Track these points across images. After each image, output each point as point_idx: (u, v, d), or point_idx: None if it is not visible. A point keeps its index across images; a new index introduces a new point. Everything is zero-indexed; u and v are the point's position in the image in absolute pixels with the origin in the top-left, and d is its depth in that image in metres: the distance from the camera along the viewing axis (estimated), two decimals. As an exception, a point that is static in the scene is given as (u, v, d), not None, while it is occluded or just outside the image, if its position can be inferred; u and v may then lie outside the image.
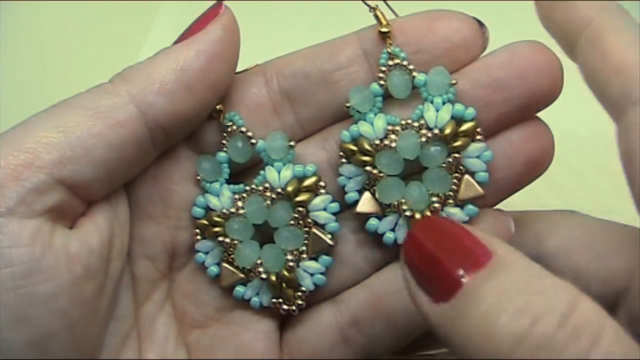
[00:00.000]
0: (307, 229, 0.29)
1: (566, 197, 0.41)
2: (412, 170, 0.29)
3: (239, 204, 0.29)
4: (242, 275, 0.30)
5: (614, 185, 0.41)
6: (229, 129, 0.29)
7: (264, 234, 0.30)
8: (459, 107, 0.28)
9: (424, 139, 0.28)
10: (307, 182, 0.29)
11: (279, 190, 0.29)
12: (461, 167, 0.29)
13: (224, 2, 0.29)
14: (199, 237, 0.30)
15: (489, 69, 0.28)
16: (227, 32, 0.28)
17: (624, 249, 0.27)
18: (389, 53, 0.28)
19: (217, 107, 0.29)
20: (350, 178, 0.29)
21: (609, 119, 0.23)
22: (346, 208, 0.30)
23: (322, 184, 0.29)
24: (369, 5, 0.29)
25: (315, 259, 0.29)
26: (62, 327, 0.25)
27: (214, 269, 0.30)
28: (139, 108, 0.27)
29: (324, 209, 0.29)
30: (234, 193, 0.30)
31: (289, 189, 0.29)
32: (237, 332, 0.30)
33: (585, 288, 0.20)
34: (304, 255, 0.29)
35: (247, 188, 0.30)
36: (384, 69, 0.29)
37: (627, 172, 0.23)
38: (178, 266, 0.30)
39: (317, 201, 0.29)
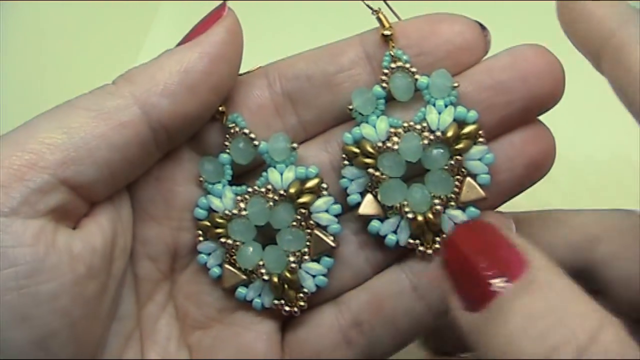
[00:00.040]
0: (309, 230, 0.29)
1: (568, 198, 0.42)
2: (414, 173, 0.29)
3: (241, 205, 0.30)
4: (244, 277, 0.30)
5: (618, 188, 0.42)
6: (232, 131, 0.29)
7: (266, 236, 0.30)
8: (461, 109, 0.28)
9: (426, 142, 0.28)
10: (310, 184, 0.29)
11: (282, 191, 0.29)
12: (463, 170, 0.29)
13: (227, 4, 0.29)
14: (201, 238, 0.30)
15: (491, 72, 0.28)
16: (230, 34, 0.28)
17: None
18: (392, 56, 0.29)
19: (220, 108, 0.29)
20: (352, 180, 0.29)
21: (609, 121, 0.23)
22: (348, 210, 0.30)
23: (324, 185, 0.29)
24: (371, 8, 0.29)
25: (317, 261, 0.30)
26: (64, 327, 0.25)
27: (216, 270, 0.30)
28: (143, 109, 0.27)
29: (326, 211, 0.29)
30: (237, 194, 0.30)
31: (292, 190, 0.29)
32: (239, 333, 0.30)
33: (635, 300, 0.19)
34: (306, 257, 0.29)
35: (250, 189, 0.30)
36: (386, 71, 0.29)
37: None
38: (180, 267, 0.30)
39: (320, 203, 0.29)
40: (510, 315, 0.19)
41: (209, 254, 0.30)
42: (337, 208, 0.29)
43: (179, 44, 0.28)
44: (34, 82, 0.47)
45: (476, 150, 0.28)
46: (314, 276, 0.30)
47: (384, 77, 0.29)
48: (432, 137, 0.28)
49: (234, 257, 0.30)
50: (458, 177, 0.29)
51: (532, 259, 0.20)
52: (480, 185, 0.28)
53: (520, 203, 0.30)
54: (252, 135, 0.29)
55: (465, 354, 0.33)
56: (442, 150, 0.28)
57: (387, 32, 0.29)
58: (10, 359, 0.25)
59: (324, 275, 0.30)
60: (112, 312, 0.28)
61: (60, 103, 0.27)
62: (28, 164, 0.25)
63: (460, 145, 0.28)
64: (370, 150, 0.29)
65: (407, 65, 0.29)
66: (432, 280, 0.29)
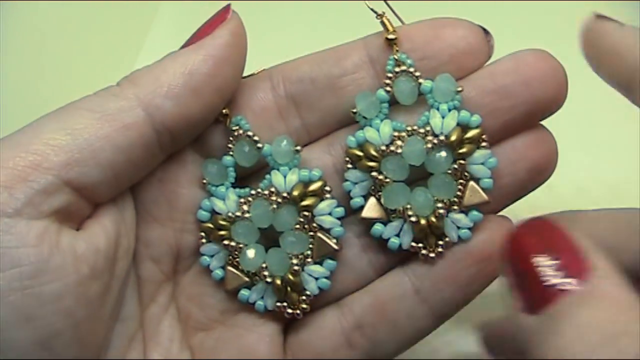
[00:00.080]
0: (312, 233, 0.29)
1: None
2: (418, 176, 0.29)
3: (245, 207, 0.30)
4: (246, 279, 0.30)
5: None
6: (235, 133, 0.29)
7: (269, 238, 0.30)
8: (464, 114, 0.28)
9: (429, 145, 0.28)
10: (313, 187, 0.29)
11: (285, 194, 0.29)
12: (466, 174, 0.29)
13: (231, 6, 0.29)
14: (204, 240, 0.30)
15: (494, 76, 0.28)
16: (234, 37, 0.28)
17: None
18: (396, 60, 0.29)
19: (224, 111, 0.29)
20: (356, 183, 0.29)
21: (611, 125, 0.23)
22: (351, 213, 0.30)
23: (327, 188, 0.29)
24: (375, 12, 0.29)
25: (320, 263, 0.30)
26: (67, 327, 0.25)
27: (218, 272, 0.30)
28: (147, 111, 0.27)
29: (330, 214, 0.29)
30: (240, 197, 0.30)
31: (295, 193, 0.29)
32: (241, 335, 0.30)
33: None
34: (309, 259, 0.30)
35: (253, 192, 0.30)
36: (390, 75, 0.29)
37: None
38: (182, 269, 0.30)
39: (323, 205, 0.29)
40: (566, 323, 0.19)
41: (211, 256, 0.30)
42: (340, 211, 0.29)
43: (183, 46, 0.28)
44: (34, 82, 0.46)
45: (479, 154, 0.28)
46: (316, 279, 0.30)
47: (387, 81, 0.29)
48: (435, 141, 0.28)
49: (237, 259, 0.30)
50: (461, 181, 0.29)
51: (596, 265, 0.20)
52: (483, 189, 0.29)
53: (520, 207, 0.31)
54: (256, 138, 0.29)
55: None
56: (445, 154, 0.28)
57: (391, 36, 0.29)
58: (14, 359, 0.25)
59: (326, 277, 0.30)
60: (115, 313, 0.28)
61: (60, 103, 0.28)
62: (32, 165, 0.25)
63: (464, 149, 0.28)
64: (374, 153, 0.29)
65: (411, 70, 0.29)
66: (434, 284, 0.29)
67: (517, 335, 0.21)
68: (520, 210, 0.30)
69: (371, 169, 0.29)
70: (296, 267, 0.29)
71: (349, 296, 0.30)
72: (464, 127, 0.28)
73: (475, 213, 0.29)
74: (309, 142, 0.30)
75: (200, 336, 0.30)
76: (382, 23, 0.29)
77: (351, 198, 0.29)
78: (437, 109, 0.29)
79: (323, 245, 0.29)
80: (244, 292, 0.30)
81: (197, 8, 0.53)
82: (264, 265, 0.29)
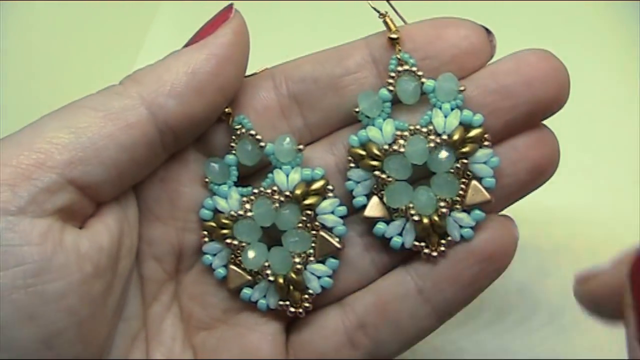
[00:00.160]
0: (314, 232, 0.30)
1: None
2: (420, 175, 0.29)
3: (247, 206, 0.30)
4: (249, 278, 0.30)
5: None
6: (238, 132, 0.29)
7: (272, 237, 0.30)
8: (467, 113, 0.28)
9: (432, 145, 0.29)
10: (315, 186, 0.29)
11: (287, 193, 0.29)
12: (468, 173, 0.29)
13: (233, 6, 0.29)
14: (206, 239, 0.30)
15: (496, 76, 0.29)
16: (237, 36, 0.28)
17: None
18: (398, 59, 0.29)
19: (226, 110, 0.29)
20: (358, 182, 0.29)
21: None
22: (353, 212, 0.30)
23: (330, 187, 0.29)
24: (378, 11, 0.29)
25: (323, 262, 0.30)
26: (70, 326, 0.25)
27: (221, 271, 0.30)
28: (150, 110, 0.27)
29: (332, 212, 0.29)
30: (242, 195, 0.30)
31: (297, 192, 0.29)
32: (244, 334, 0.30)
33: None
34: (312, 258, 0.30)
35: (255, 191, 0.30)
36: (393, 74, 0.29)
37: None
38: (185, 268, 0.30)
39: (325, 204, 0.29)
40: None
41: (214, 255, 0.30)
42: (342, 210, 0.30)
43: (186, 45, 0.29)
44: (34, 81, 0.46)
45: (482, 153, 0.29)
46: (319, 277, 0.30)
47: (390, 80, 0.29)
48: (438, 140, 0.29)
49: (239, 258, 0.30)
50: (463, 180, 0.29)
51: None
52: (485, 188, 0.29)
53: (521, 206, 0.31)
54: (259, 137, 0.29)
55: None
56: (448, 153, 0.28)
57: (394, 36, 0.29)
58: (17, 358, 0.25)
59: (329, 276, 0.30)
60: (118, 311, 0.28)
61: (60, 102, 0.28)
62: (36, 163, 0.25)
63: (466, 149, 0.28)
64: (377, 152, 0.29)
65: (414, 69, 0.29)
66: (437, 283, 0.29)
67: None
68: (522, 210, 0.31)
69: (374, 168, 0.29)
70: (299, 266, 0.29)
71: (351, 295, 0.30)
72: (466, 126, 0.28)
73: (477, 212, 0.29)
74: (312, 141, 0.30)
75: (203, 335, 0.30)
76: (385, 22, 0.29)
77: (354, 197, 0.29)
78: (440, 108, 0.29)
79: (325, 244, 0.29)
80: (247, 291, 0.30)
81: (197, 8, 0.53)
82: (266, 264, 0.29)
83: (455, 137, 0.28)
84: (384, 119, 0.29)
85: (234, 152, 0.30)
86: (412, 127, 0.29)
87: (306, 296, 0.30)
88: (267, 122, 0.30)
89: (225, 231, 0.30)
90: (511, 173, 0.29)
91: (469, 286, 0.29)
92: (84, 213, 0.27)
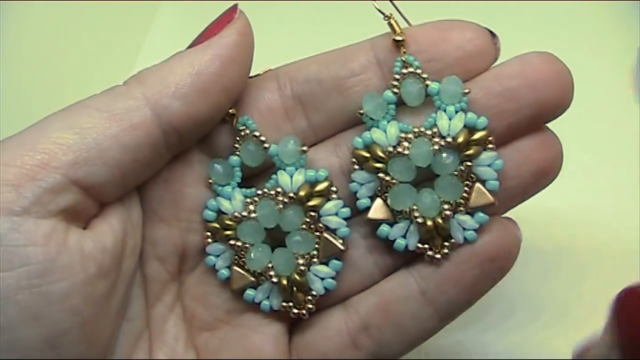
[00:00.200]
0: (318, 233, 0.30)
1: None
2: (424, 178, 0.29)
3: (251, 207, 0.30)
4: (252, 279, 0.30)
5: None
6: (242, 133, 0.29)
7: (275, 238, 0.30)
8: (471, 116, 0.28)
9: (436, 147, 0.29)
10: (319, 187, 0.29)
11: (291, 194, 0.29)
12: (472, 175, 0.29)
13: (238, 6, 0.29)
14: (210, 240, 0.30)
15: (500, 78, 0.29)
16: (241, 37, 0.28)
17: None
18: (403, 61, 0.29)
19: (230, 111, 0.29)
20: (362, 184, 0.29)
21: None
22: (357, 214, 0.30)
23: (333, 189, 0.29)
24: (383, 13, 0.29)
25: (326, 263, 0.30)
26: (74, 326, 0.25)
27: (224, 272, 0.30)
28: (154, 111, 0.27)
29: (336, 214, 0.29)
30: (246, 197, 0.30)
31: (301, 193, 0.29)
32: (246, 335, 0.30)
33: None
34: (315, 260, 0.30)
35: (259, 192, 0.30)
36: (397, 76, 0.29)
37: None
38: (188, 268, 0.30)
39: (329, 206, 0.29)
40: None
41: (217, 256, 0.30)
42: (346, 211, 0.30)
43: (190, 46, 0.28)
44: (34, 81, 0.46)
45: (486, 156, 0.29)
46: (322, 279, 0.30)
47: (395, 83, 0.29)
48: (442, 142, 0.29)
49: (243, 259, 0.30)
50: (467, 182, 0.29)
51: None
52: (489, 191, 0.29)
53: (523, 208, 0.31)
54: (262, 138, 0.29)
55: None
56: (452, 156, 0.29)
57: (399, 38, 0.29)
58: (21, 358, 0.25)
59: (332, 278, 0.30)
60: (122, 312, 0.28)
61: (60, 102, 0.28)
62: (40, 163, 0.25)
63: (470, 151, 0.28)
64: (381, 154, 0.29)
65: (419, 71, 0.29)
66: (440, 285, 0.29)
67: None
68: (524, 211, 0.31)
69: (378, 170, 0.29)
70: (302, 267, 0.29)
71: (354, 297, 0.30)
72: (470, 129, 0.29)
73: (481, 214, 0.29)
74: (315, 142, 0.30)
75: (206, 336, 0.30)
76: (390, 24, 0.29)
77: (357, 199, 0.29)
78: (444, 110, 0.29)
79: (329, 245, 0.29)
80: (250, 292, 0.30)
81: (197, 8, 0.53)
82: (269, 265, 0.29)
83: (460, 139, 0.28)
84: (389, 121, 0.29)
85: (237, 153, 0.29)
86: (416, 130, 0.29)
87: (309, 297, 0.30)
88: (271, 123, 0.30)
89: (228, 232, 0.29)
90: (515, 175, 0.29)
91: (472, 288, 0.29)
92: (88, 214, 0.27)
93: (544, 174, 0.29)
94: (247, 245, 0.30)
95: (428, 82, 0.29)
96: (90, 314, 0.26)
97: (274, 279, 0.29)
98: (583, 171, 0.42)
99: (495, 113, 0.29)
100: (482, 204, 0.29)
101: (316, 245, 0.30)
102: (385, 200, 0.29)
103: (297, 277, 0.29)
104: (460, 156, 0.29)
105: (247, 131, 0.29)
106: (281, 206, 0.29)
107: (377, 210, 0.29)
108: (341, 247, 0.29)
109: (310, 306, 0.30)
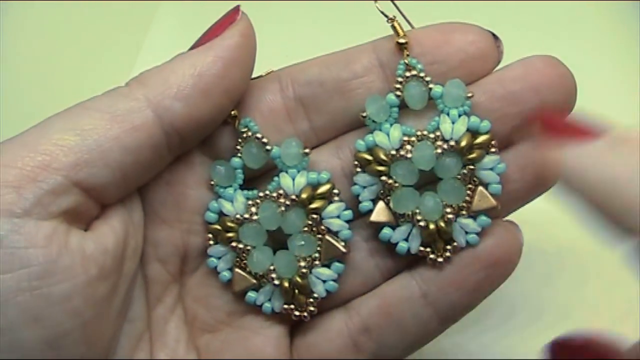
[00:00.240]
0: (320, 235, 0.29)
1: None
2: (427, 181, 0.29)
3: (253, 209, 0.30)
4: (254, 281, 0.30)
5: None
6: (244, 135, 0.29)
7: (277, 240, 0.30)
8: (474, 119, 0.28)
9: (439, 151, 0.28)
10: (321, 189, 0.29)
11: (293, 196, 0.29)
12: (475, 179, 0.29)
13: (240, 8, 0.29)
14: (211, 242, 0.30)
15: (503, 82, 0.29)
16: (244, 38, 0.28)
17: None
18: (406, 64, 0.29)
19: (232, 112, 0.29)
20: (364, 187, 0.29)
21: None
22: (359, 216, 0.30)
23: (336, 191, 0.29)
24: (386, 16, 0.29)
25: (328, 266, 0.30)
26: (75, 327, 0.25)
27: (226, 274, 0.30)
28: (156, 112, 0.27)
29: (338, 217, 0.29)
30: (248, 199, 0.30)
31: (303, 195, 0.29)
32: (248, 337, 0.30)
33: None
34: (317, 262, 0.30)
35: (261, 194, 0.30)
36: (400, 79, 0.29)
37: None
38: (189, 270, 0.30)
39: (331, 208, 0.29)
40: None
41: (219, 258, 0.30)
42: (348, 214, 0.29)
43: (192, 47, 0.28)
44: (34, 81, 0.46)
45: (489, 159, 0.29)
46: (324, 281, 0.30)
47: (398, 85, 0.29)
48: (445, 146, 0.29)
49: (245, 261, 0.30)
50: (470, 186, 0.29)
51: None
52: (491, 194, 0.29)
53: (524, 209, 0.31)
54: (265, 140, 0.29)
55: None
56: (455, 160, 0.28)
57: (402, 40, 0.29)
58: (22, 359, 0.25)
59: (334, 280, 0.30)
60: (123, 313, 0.28)
61: (59, 103, 0.27)
62: (41, 165, 0.25)
63: (473, 155, 0.28)
64: (384, 157, 0.29)
65: (422, 74, 0.29)
66: (442, 288, 0.29)
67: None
68: (525, 213, 0.31)
69: (380, 173, 0.29)
70: (304, 270, 0.29)
71: (356, 299, 0.30)
72: (473, 132, 0.28)
73: (483, 218, 0.29)
74: (317, 144, 0.30)
75: (207, 338, 0.30)
76: (393, 27, 0.29)
77: (360, 202, 0.29)
78: (447, 114, 0.29)
79: (331, 248, 0.29)
80: (251, 294, 0.30)
81: (197, 8, 0.53)
82: (271, 267, 0.29)
83: (463, 143, 0.28)
84: (391, 124, 0.29)
85: (239, 155, 0.29)
86: (419, 133, 0.29)
87: (311, 300, 0.30)
88: (273, 125, 0.30)
89: (230, 234, 0.29)
90: (517, 179, 0.29)
91: (474, 291, 0.29)
92: (89, 215, 0.27)
93: (546, 177, 0.29)
94: (249, 248, 0.29)
95: (431, 86, 0.29)
96: (91, 315, 0.26)
97: (276, 282, 0.29)
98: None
99: (498, 116, 0.29)
100: (485, 208, 0.29)
101: (318, 248, 0.29)
102: (387, 204, 0.29)
103: (298, 279, 0.29)
104: (463, 160, 0.29)
105: (249, 133, 0.29)
106: (283, 208, 0.29)
107: (380, 213, 0.29)
108: (343, 249, 0.29)
109: (311, 308, 0.30)
